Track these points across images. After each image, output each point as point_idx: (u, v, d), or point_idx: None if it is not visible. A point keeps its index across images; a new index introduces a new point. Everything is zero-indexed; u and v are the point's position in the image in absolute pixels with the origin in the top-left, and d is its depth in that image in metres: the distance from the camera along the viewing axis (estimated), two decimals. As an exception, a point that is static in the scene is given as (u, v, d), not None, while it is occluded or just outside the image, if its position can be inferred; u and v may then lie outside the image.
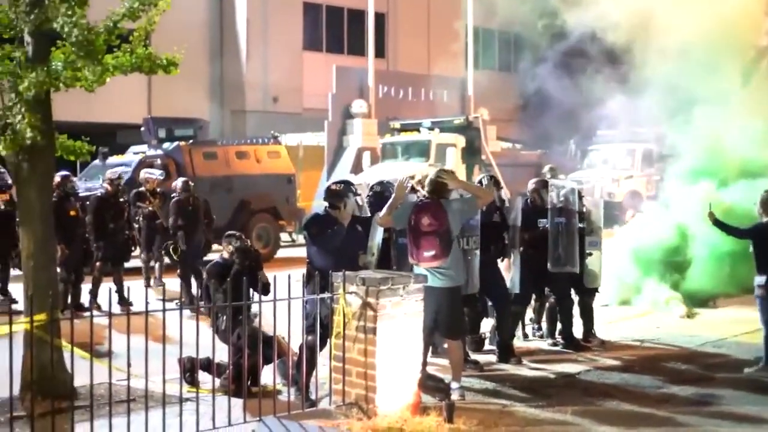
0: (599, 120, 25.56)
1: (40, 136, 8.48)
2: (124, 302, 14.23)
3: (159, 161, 20.57)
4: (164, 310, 7.28)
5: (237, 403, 7.96)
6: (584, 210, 11.67)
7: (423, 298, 8.12)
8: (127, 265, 15.31)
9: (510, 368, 10.36)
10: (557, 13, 22.05)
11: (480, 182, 11.18)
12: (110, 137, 29.76)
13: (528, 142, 34.44)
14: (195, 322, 7.50)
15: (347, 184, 9.53)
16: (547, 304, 11.90)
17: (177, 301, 10.25)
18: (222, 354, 8.79)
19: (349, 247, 8.93)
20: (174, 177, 20.64)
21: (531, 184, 11.73)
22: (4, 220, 13.09)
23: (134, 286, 10.84)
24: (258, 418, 7.49)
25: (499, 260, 11.10)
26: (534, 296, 11.85)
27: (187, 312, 8.96)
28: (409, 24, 40.25)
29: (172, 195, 16.04)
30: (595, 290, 12.07)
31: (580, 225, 11.41)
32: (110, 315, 6.94)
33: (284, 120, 33.51)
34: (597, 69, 23.90)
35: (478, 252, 10.07)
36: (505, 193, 12.28)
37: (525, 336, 11.93)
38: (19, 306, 13.86)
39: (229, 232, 9.80)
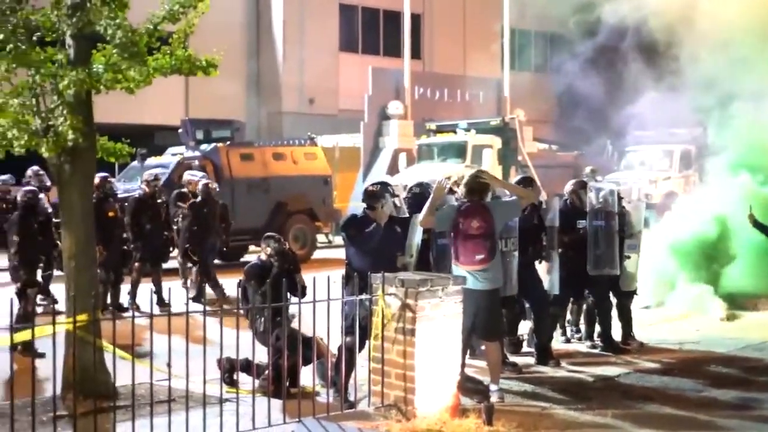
0: (636, 120, 25.40)
1: (82, 137, 8.56)
2: (163, 303, 14.33)
3: (197, 163, 20.67)
4: (204, 312, 7.31)
5: (275, 404, 8.00)
6: (624, 212, 11.61)
7: (462, 300, 8.10)
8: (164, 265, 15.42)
9: (548, 370, 10.32)
10: (593, 11, 21.94)
11: (517, 183, 11.13)
12: (148, 139, 29.96)
13: (564, 143, 34.30)
14: (231, 324, 7.53)
15: (384, 185, 9.54)
16: (585, 307, 11.83)
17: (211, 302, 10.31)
18: (261, 355, 8.82)
19: (386, 248, 8.94)
20: (211, 178, 20.79)
21: (570, 185, 11.69)
22: (45, 222, 13.18)
23: (173, 287, 10.90)
24: (297, 419, 7.51)
25: (537, 262, 11.06)
26: (572, 298, 11.78)
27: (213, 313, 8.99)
28: (445, 25, 40.21)
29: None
30: (633, 293, 12.00)
31: (620, 227, 11.34)
32: (151, 316, 6.99)
33: (320, 121, 33.59)
34: (633, 69, 23.77)
35: (516, 254, 10.04)
36: (541, 195, 12.22)
37: (567, 339, 11.85)
38: (60, 306, 14.02)
39: (268, 233, 9.83)
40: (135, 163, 21.05)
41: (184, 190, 17.10)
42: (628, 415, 8.39)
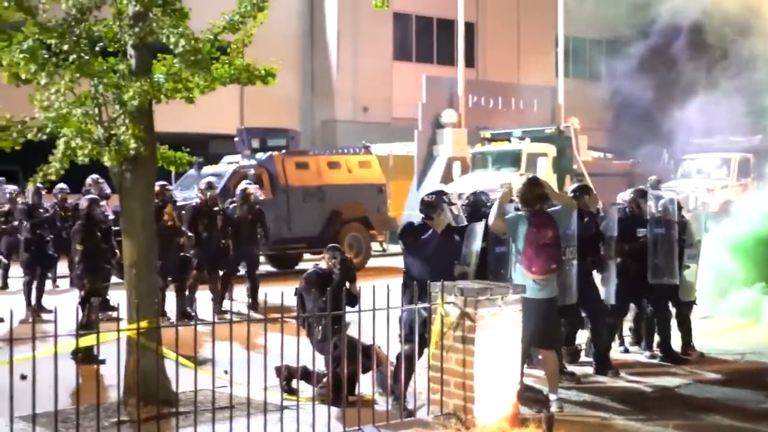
0: (692, 128, 25.14)
1: (144, 146, 8.65)
2: (220, 311, 14.46)
3: (252, 171, 20.79)
4: (266, 320, 7.35)
5: (334, 412, 8.01)
6: (684, 221, 11.49)
7: (521, 309, 8.07)
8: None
9: (607, 380, 10.23)
10: (647, 17, 21.72)
11: (574, 192, 11.08)
12: (203, 147, 30.20)
13: (618, 151, 34.02)
14: (288, 332, 7.56)
15: (440, 193, 9.53)
16: (644, 316, 11.71)
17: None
18: (319, 363, 8.85)
19: (444, 256, 8.94)
20: (267, 187, 20.95)
21: (629, 194, 11.60)
22: (109, 229, 13.37)
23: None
24: (357, 427, 7.53)
25: (594, 271, 10.98)
26: (631, 308, 11.67)
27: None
28: (498, 33, 40.13)
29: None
30: (693, 302, 11.87)
31: (679, 236, 11.22)
32: (213, 324, 7.04)
33: (373, 130, 33.65)
34: (689, 75, 23.52)
35: (575, 262, 9.98)
36: (598, 203, 12.13)
37: (625, 349, 11.73)
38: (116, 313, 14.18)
39: (332, 245, 9.84)
40: (192, 171, 21.23)
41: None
42: (689, 427, 8.30)
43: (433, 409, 7.94)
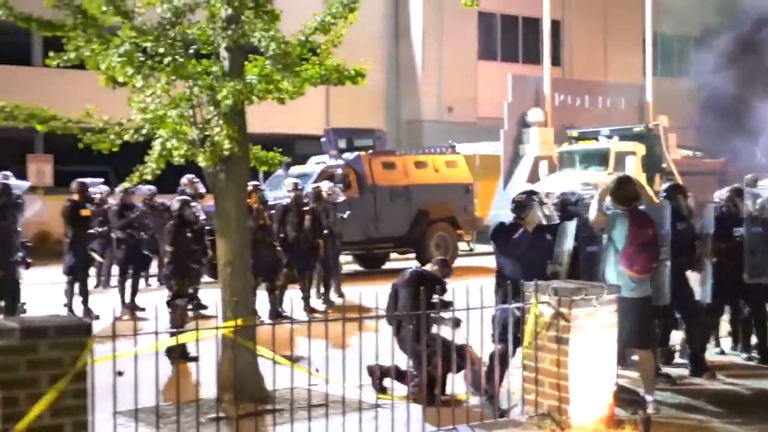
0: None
1: (237, 147, 8.75)
2: (310, 309, 14.58)
3: (340, 171, 20.90)
4: (360, 318, 7.37)
5: (427, 411, 7.99)
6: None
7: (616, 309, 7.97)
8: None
9: (703, 382, 10.03)
10: (736, 14, 21.29)
11: (666, 191, 10.92)
12: (289, 148, 30.43)
13: (708, 149, 33.39)
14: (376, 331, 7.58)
15: (531, 193, 9.47)
16: (741, 317, 11.47)
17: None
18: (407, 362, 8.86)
19: (536, 256, 8.89)
20: (354, 187, 21.05)
21: (725, 192, 11.39)
22: (200, 229, 13.57)
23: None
24: (452, 427, 7.51)
25: (689, 271, 10.79)
26: (728, 308, 11.44)
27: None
28: (584, 30, 39.70)
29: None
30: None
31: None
32: (309, 322, 7.09)
33: (459, 129, 33.55)
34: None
35: (668, 262, 9.81)
36: (691, 202, 11.92)
37: (721, 351, 11.48)
38: (208, 312, 14.37)
39: (442, 258, 9.84)
40: (280, 171, 21.42)
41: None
42: (790, 430, 8.11)
43: (527, 410, 7.88)
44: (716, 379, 10.16)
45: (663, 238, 9.61)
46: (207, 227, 13.89)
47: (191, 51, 9.00)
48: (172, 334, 9.52)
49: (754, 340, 11.28)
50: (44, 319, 5.63)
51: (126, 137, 9.03)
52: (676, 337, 11.09)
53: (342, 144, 22.75)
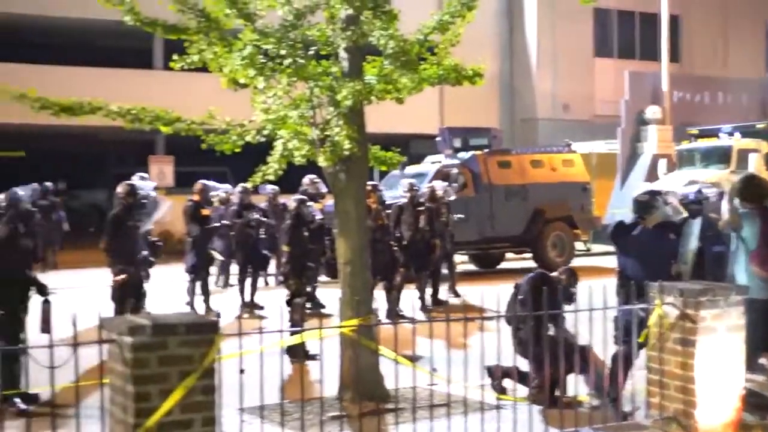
0: None
1: (357, 147, 8.81)
2: (426, 309, 14.58)
3: (455, 171, 20.88)
4: (482, 318, 7.35)
5: (548, 413, 7.93)
6: None
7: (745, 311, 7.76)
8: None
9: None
10: None
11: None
12: (403, 147, 30.50)
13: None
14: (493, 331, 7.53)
15: (653, 193, 9.29)
16: None
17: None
18: (525, 362, 8.80)
19: (659, 255, 8.72)
20: (469, 186, 20.99)
21: None
22: (317, 229, 13.72)
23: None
24: (574, 429, 7.42)
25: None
26: None
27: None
28: (704, 25, 38.80)
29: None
30: None
31: None
32: (431, 321, 7.09)
33: (575, 127, 33.17)
34: None
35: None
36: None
37: None
38: (326, 311, 14.52)
39: (569, 268, 9.74)
40: (396, 171, 21.50)
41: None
42: None
43: (651, 413, 7.72)
44: None
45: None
46: (327, 227, 14.03)
47: (311, 52, 9.10)
48: (295, 333, 9.63)
49: None
50: (174, 316, 5.75)
51: (248, 138, 9.20)
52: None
53: (457, 143, 22.70)
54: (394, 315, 13.98)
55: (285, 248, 12.52)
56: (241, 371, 6.53)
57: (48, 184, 23.17)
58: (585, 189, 23.19)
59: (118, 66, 28.88)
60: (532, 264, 20.88)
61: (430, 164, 22.24)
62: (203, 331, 5.59)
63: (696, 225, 9.09)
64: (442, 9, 9.39)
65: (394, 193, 18.38)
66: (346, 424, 7.77)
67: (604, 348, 7.87)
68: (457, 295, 16.88)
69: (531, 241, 21.89)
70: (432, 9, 9.72)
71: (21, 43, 30.13)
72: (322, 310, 14.68)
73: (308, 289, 13.73)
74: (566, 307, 8.39)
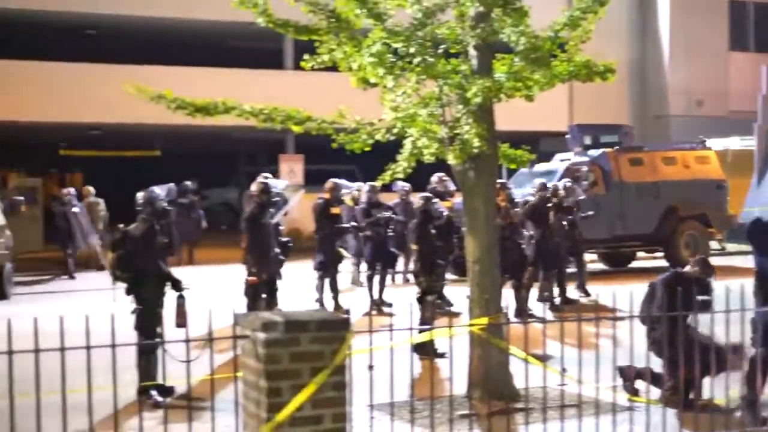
0: None
1: (486, 145, 8.77)
2: (556, 308, 14.44)
3: (585, 168, 20.60)
4: (614, 318, 7.23)
5: (683, 416, 7.75)
6: None
7: None
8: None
9: None
10: None
11: None
12: (533, 145, 30.23)
13: None
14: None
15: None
16: None
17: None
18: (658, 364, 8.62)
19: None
20: (600, 184, 20.68)
21: None
22: (444, 227, 13.71)
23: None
24: (710, 433, 7.24)
25: None
26: None
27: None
28: None
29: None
30: None
31: None
32: (562, 321, 7.01)
33: (708, 124, 32.31)
34: None
35: None
36: None
37: None
38: (454, 309, 14.50)
39: (702, 258, 9.52)
40: (524, 169, 21.31)
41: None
42: None
43: (791, 418, 7.49)
44: None
45: None
46: (455, 224, 14.01)
47: (440, 50, 9.11)
48: (423, 331, 9.65)
49: None
50: (306, 313, 5.82)
51: (377, 137, 9.26)
52: None
53: (587, 140, 22.40)
54: (524, 314, 13.86)
55: (414, 246, 12.55)
56: (370, 368, 6.57)
57: (187, 183, 23.85)
58: (720, 186, 22.56)
59: (249, 66, 29.43)
60: (664, 263, 20.44)
61: (559, 162, 22.00)
62: (334, 328, 5.64)
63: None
64: (571, 5, 9.28)
65: (523, 191, 18.24)
66: (475, 423, 7.75)
67: (742, 349, 7.65)
68: (587, 294, 16.65)
69: (663, 239, 21.44)
70: (561, 5, 9.61)
71: (157, 45, 30.99)
72: (451, 308, 14.66)
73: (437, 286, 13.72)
74: (702, 309, 8.17)
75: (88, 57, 28.20)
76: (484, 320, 8.59)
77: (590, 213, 17.80)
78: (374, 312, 15.27)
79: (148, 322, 9.49)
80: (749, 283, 8.35)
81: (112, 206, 22.26)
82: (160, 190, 10.24)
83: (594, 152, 21.64)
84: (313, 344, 5.57)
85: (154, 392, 9.28)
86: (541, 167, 21.22)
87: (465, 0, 8.74)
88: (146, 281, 9.65)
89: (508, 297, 14.10)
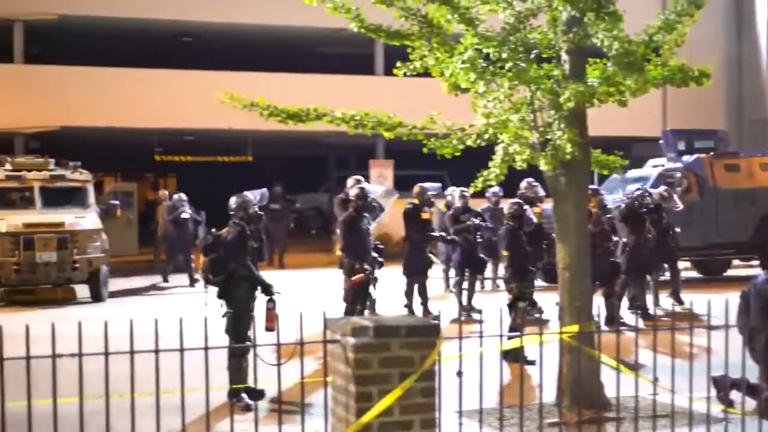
0: None
1: (578, 151, 8.68)
2: (649, 316, 14.23)
3: (678, 174, 20.27)
4: (709, 327, 7.09)
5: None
6: None
7: None
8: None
9: None
10: None
11: None
12: (625, 151, 29.81)
13: None
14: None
15: None
16: None
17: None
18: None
19: None
20: (694, 191, 20.34)
21: None
22: (535, 232, 13.63)
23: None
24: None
25: None
26: None
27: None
28: None
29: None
30: None
31: None
32: (655, 330, 6.91)
33: (808, 129, 31.59)
34: None
35: None
36: None
37: None
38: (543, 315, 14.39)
39: None
40: (616, 175, 21.03)
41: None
42: None
43: None
44: None
45: None
46: (545, 231, 13.91)
47: (532, 55, 9.05)
48: (513, 337, 9.59)
49: None
50: (396, 318, 5.84)
51: (468, 142, 9.23)
52: None
53: (681, 146, 22.01)
54: (615, 322, 13.67)
55: (505, 252, 12.49)
56: (459, 374, 6.55)
57: (277, 188, 24.14)
58: (819, 193, 21.93)
59: (339, 72, 29.65)
60: (760, 272, 19.97)
61: (651, 168, 21.67)
62: (424, 334, 5.64)
63: None
64: (666, 8, 9.13)
65: (615, 197, 18.02)
66: (565, 431, 7.67)
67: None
68: (680, 302, 16.36)
69: (760, 247, 20.95)
70: (656, 8, 9.46)
71: (249, 52, 31.42)
72: (540, 315, 14.55)
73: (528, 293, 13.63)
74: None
75: (183, 64, 28.74)
76: (575, 328, 8.49)
77: (684, 220, 17.52)
78: (463, 318, 15.22)
79: (239, 326, 9.61)
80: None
81: (206, 210, 22.56)
82: (252, 195, 10.35)
83: (688, 158, 21.27)
84: (402, 349, 5.58)
85: (244, 395, 9.39)
86: (633, 173, 20.93)
87: (557, 4, 8.66)
88: (238, 285, 9.77)
89: (599, 305, 14.00)
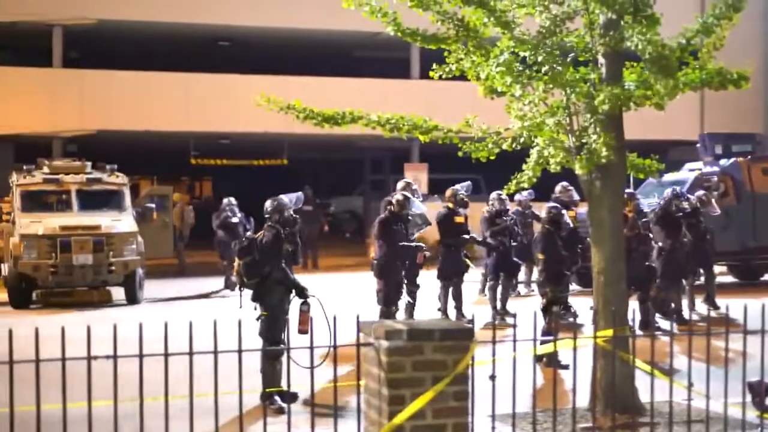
0: None
1: (614, 154, 8.64)
2: (683, 322, 14.12)
3: (714, 178, 20.11)
4: (745, 332, 7.03)
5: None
6: None
7: None
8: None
9: None
10: None
11: None
12: (662, 154, 29.60)
13: None
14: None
15: None
16: None
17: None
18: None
19: None
20: (731, 195, 20.16)
21: None
22: (570, 236, 13.55)
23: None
24: None
25: None
26: None
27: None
28: None
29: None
30: None
31: None
32: (690, 335, 6.85)
33: None
34: None
35: None
36: None
37: None
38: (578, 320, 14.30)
39: None
40: (652, 178, 20.88)
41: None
42: None
43: None
44: None
45: None
46: (581, 234, 13.84)
47: (568, 59, 9.01)
48: (546, 342, 9.55)
49: None
50: (430, 322, 5.84)
51: (504, 146, 9.22)
52: None
53: (718, 150, 21.81)
54: (649, 326, 13.57)
55: (540, 256, 12.44)
56: (492, 378, 6.53)
57: (308, 190, 24.19)
58: None
59: (374, 76, 29.68)
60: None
61: (688, 171, 21.50)
62: (458, 338, 5.64)
63: None
64: (704, 11, 9.06)
65: (651, 201, 17.89)
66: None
67: None
68: (716, 307, 16.21)
69: (796, 253, 20.75)
70: (694, 11, 9.39)
71: (285, 55, 31.54)
72: (574, 320, 14.45)
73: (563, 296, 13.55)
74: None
75: (220, 68, 28.91)
76: (609, 332, 8.44)
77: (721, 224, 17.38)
78: (497, 322, 15.18)
79: (273, 329, 9.64)
80: None
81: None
82: (287, 198, 10.38)
83: (725, 162, 21.10)
84: (436, 353, 5.58)
85: (277, 398, 9.41)
86: (669, 177, 20.76)
87: (594, 7, 8.62)
88: (272, 288, 9.80)
89: (633, 309, 13.90)
